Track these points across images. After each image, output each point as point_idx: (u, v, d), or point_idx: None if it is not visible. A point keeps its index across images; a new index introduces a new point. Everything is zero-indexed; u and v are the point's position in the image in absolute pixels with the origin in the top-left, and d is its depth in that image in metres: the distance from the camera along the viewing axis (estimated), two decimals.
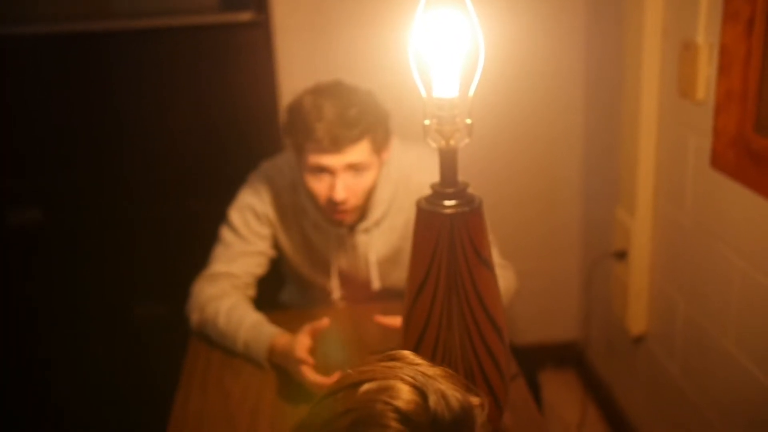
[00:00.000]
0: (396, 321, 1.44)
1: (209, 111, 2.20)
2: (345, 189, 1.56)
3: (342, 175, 1.55)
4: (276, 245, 1.75)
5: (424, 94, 1.03)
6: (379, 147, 1.60)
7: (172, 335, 1.84)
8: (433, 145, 1.03)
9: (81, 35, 2.10)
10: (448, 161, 1.04)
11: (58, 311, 2.28)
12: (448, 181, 1.04)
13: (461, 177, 1.06)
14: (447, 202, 1.03)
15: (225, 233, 1.71)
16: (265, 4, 2.17)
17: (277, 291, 1.95)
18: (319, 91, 1.56)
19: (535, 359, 2.46)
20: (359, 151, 1.54)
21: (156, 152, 2.21)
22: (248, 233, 1.70)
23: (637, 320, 2.20)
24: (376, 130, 1.56)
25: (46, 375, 2.35)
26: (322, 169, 1.56)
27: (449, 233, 1.02)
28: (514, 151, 2.60)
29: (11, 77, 2.13)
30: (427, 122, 1.03)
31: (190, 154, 2.22)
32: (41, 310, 2.29)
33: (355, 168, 1.56)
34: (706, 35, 1.71)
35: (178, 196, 2.24)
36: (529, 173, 2.64)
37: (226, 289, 1.65)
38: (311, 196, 1.63)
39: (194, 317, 1.65)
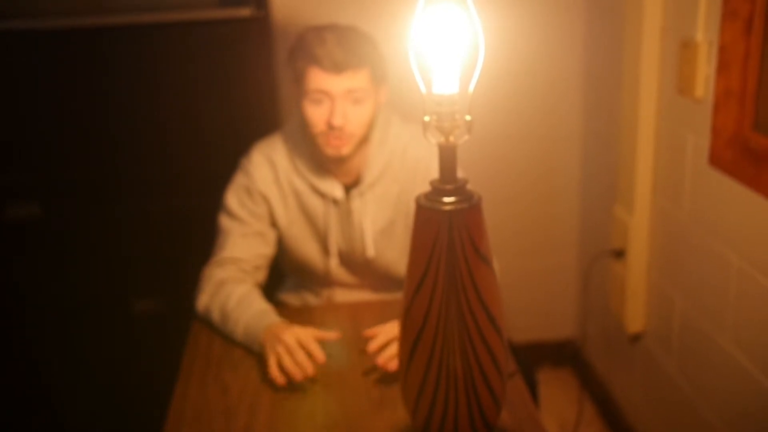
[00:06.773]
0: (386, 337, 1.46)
1: (207, 107, 2.19)
2: (343, 116, 1.61)
3: (341, 101, 1.61)
4: (274, 223, 1.77)
5: (423, 90, 1.03)
6: (378, 81, 1.66)
7: (171, 330, 1.84)
8: (433, 141, 1.03)
9: (77, 30, 2.09)
10: (447, 158, 1.03)
11: (55, 306, 2.28)
12: (448, 177, 1.04)
13: (459, 174, 1.06)
14: (446, 199, 1.03)
15: (223, 220, 1.75)
16: (265, 0, 2.17)
17: (275, 290, 1.95)
18: (321, 26, 1.66)
19: (532, 357, 2.46)
20: (359, 78, 1.61)
21: (153, 148, 2.21)
22: (245, 215, 1.73)
23: (635, 318, 2.20)
24: (374, 62, 1.64)
25: (43, 370, 2.35)
26: (321, 94, 1.61)
27: (448, 230, 1.02)
28: (512, 148, 2.60)
29: (5, 72, 2.12)
30: (426, 118, 1.03)
31: (188, 151, 2.22)
32: (38, 306, 2.29)
33: (354, 96, 1.61)
34: (705, 33, 1.72)
35: (176, 192, 2.24)
36: (528, 171, 2.65)
37: (237, 274, 1.69)
38: (308, 124, 1.65)
39: (203, 298, 1.67)
